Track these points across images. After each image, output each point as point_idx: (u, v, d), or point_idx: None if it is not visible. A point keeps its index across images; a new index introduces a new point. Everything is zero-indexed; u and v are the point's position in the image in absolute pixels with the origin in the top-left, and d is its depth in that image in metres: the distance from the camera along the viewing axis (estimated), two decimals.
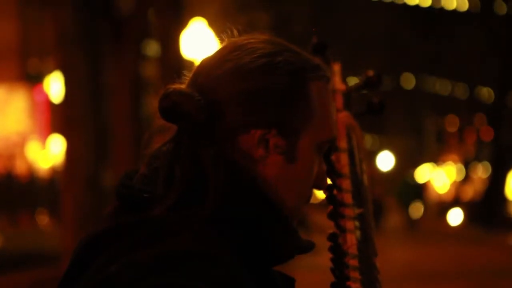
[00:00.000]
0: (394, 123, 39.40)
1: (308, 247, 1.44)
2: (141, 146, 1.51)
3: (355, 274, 1.38)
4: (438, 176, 39.49)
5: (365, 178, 1.43)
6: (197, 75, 1.49)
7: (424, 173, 36.59)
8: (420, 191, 25.51)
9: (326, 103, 1.46)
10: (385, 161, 40.46)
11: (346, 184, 1.36)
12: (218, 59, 1.48)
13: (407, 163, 35.60)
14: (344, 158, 1.35)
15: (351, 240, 1.37)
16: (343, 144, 1.35)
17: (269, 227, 1.41)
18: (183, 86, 1.47)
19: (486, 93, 29.10)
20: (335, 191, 1.36)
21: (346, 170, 1.35)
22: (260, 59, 1.45)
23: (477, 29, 25.16)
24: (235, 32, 1.52)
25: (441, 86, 35.65)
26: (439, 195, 36.90)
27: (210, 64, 1.49)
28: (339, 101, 1.34)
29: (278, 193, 1.44)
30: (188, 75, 1.51)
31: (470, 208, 27.21)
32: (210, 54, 1.52)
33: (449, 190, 36.24)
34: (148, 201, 1.41)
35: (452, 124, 41.71)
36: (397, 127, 40.88)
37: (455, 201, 30.48)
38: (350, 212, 1.37)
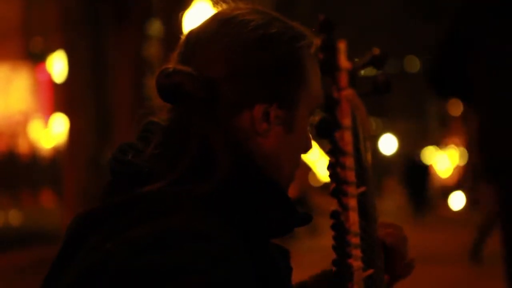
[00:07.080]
0: (398, 106, 39.37)
1: (305, 220, 1.45)
2: (136, 122, 1.50)
3: (357, 252, 1.38)
4: (441, 160, 39.48)
5: (369, 156, 1.44)
6: (191, 52, 1.46)
7: (427, 156, 36.55)
8: (426, 172, 24.15)
9: (315, 69, 1.48)
10: (388, 144, 40.44)
11: (349, 162, 1.36)
12: (210, 34, 1.46)
13: (410, 146, 35.56)
14: (347, 136, 1.35)
15: (353, 218, 1.38)
16: (347, 121, 1.35)
17: (269, 201, 1.41)
18: (180, 65, 1.44)
19: None
20: (338, 169, 1.36)
21: (349, 148, 1.35)
22: (254, 32, 1.44)
23: None
24: (220, 3, 1.50)
25: None
26: (442, 179, 36.89)
27: (203, 40, 1.46)
28: (344, 79, 1.34)
29: (277, 164, 1.46)
30: (178, 52, 1.48)
31: (472, 193, 27.18)
32: (199, 29, 1.48)
33: (452, 174, 36.23)
34: (147, 177, 1.40)
35: (455, 108, 41.65)
36: (400, 110, 40.84)
37: (457, 185, 30.45)
38: (352, 190, 1.37)
